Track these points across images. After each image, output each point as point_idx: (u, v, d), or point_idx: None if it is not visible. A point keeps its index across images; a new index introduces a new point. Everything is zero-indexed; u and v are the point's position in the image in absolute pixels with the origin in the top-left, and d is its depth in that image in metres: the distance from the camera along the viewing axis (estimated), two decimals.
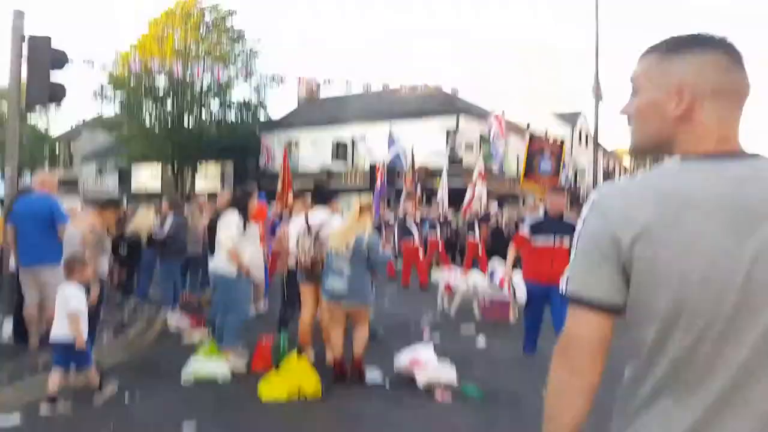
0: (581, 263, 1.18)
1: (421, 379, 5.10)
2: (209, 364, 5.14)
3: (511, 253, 6.46)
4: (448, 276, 9.05)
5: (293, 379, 4.67)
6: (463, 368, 5.36)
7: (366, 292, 5.23)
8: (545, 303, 5.84)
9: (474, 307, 8.43)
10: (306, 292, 5.75)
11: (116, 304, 8.04)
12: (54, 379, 4.24)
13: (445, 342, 6.64)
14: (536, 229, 5.96)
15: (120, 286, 8.77)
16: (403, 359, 5.32)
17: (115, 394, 4.61)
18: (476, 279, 8.69)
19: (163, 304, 7.79)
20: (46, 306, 5.74)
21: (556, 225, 5.82)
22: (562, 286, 1.21)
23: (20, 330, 5.76)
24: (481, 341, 6.79)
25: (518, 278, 7.00)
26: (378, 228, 9.28)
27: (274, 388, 4.63)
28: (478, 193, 15.78)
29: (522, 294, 6.77)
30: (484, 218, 14.34)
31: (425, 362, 5.22)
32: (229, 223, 5.78)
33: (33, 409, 4.19)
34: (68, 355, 4.30)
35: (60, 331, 4.27)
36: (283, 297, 6.56)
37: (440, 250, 13.57)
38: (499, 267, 8.21)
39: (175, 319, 7.07)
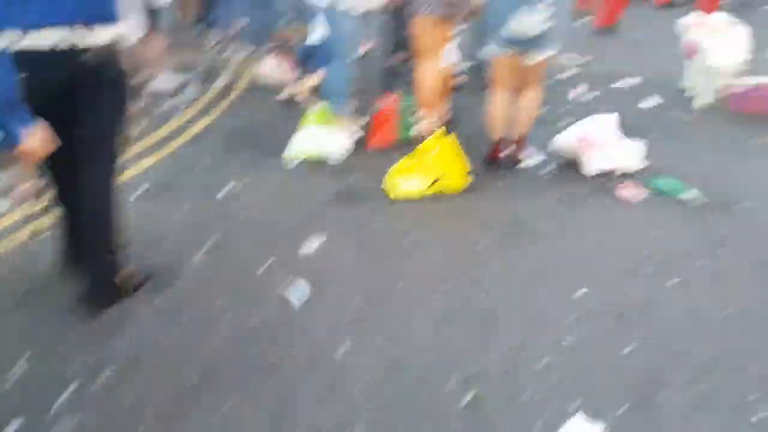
0: None
1: (593, 164, 3.78)
2: (315, 139, 3.96)
3: None
4: (693, 23, 5.54)
5: (436, 164, 3.45)
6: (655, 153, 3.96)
7: (563, 32, 3.63)
8: None
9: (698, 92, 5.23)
10: (433, 30, 3.95)
11: (194, 41, 6.77)
12: None
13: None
14: None
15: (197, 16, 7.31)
16: (566, 138, 3.95)
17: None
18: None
19: (250, 43, 6.40)
20: None
21: None
22: None
23: None
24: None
25: None
26: None
27: (407, 179, 3.46)
28: None
29: None
30: None
31: (600, 140, 3.84)
32: None
33: None
34: None
35: None
36: (396, 37, 4.95)
37: None
38: None
39: (268, 67, 5.71)
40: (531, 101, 3.73)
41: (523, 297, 2.58)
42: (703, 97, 5.10)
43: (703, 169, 3.83)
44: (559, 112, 4.93)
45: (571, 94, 5.48)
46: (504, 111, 3.71)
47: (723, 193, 3.52)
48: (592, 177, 3.72)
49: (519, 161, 3.87)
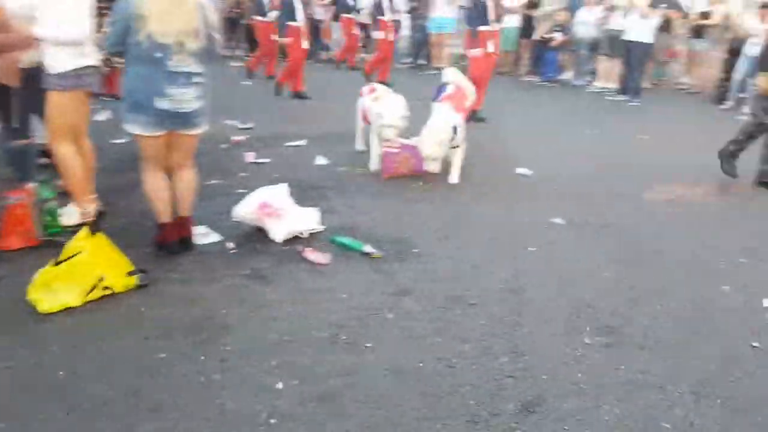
0: None
1: (278, 232, 3.64)
2: None
3: None
4: (367, 89, 5.63)
5: (89, 268, 2.83)
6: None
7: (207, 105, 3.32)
8: None
9: (372, 154, 5.23)
10: (74, 107, 3.46)
11: None
12: None
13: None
14: None
15: None
16: (245, 208, 3.73)
17: None
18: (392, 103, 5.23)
19: None
20: None
21: None
22: None
23: None
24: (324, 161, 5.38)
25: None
26: None
27: (57, 289, 2.76)
28: None
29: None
30: None
31: (279, 207, 3.72)
32: None
33: None
34: None
35: None
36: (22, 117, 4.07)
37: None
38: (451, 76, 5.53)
39: None
40: (189, 178, 3.41)
41: (212, 414, 2.18)
42: (371, 155, 5.36)
43: (376, 222, 3.99)
44: (233, 181, 4.73)
45: (246, 159, 5.35)
46: (165, 191, 3.30)
47: (396, 241, 3.69)
48: (279, 245, 3.56)
49: (192, 242, 3.48)
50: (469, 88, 5.58)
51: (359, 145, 5.72)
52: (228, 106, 7.25)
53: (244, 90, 8.98)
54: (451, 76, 5.53)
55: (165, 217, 3.33)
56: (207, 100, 3.25)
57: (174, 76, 3.05)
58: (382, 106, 5.20)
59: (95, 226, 2.87)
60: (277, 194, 3.82)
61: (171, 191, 3.35)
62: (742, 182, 5.20)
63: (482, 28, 6.85)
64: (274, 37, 9.07)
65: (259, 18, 9.74)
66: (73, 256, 2.82)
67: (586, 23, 10.52)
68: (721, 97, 9.35)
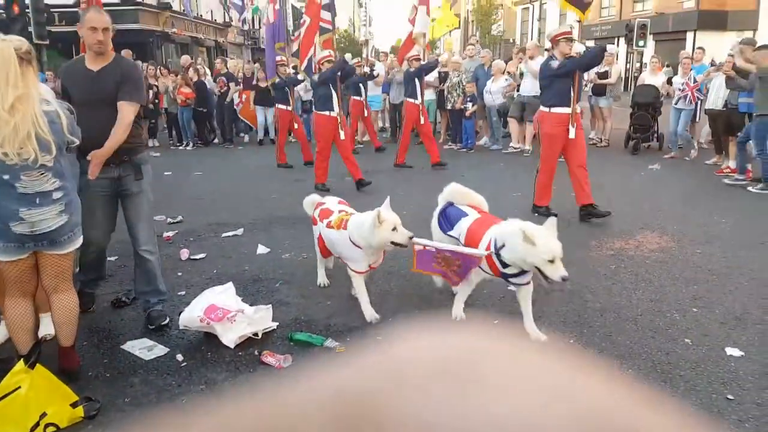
0: None
1: (230, 337, 3.43)
2: None
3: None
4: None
5: (29, 405, 2.51)
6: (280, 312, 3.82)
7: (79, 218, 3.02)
8: None
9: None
10: None
11: None
12: None
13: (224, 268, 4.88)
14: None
15: None
16: (192, 314, 3.51)
17: None
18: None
19: None
20: None
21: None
22: None
23: None
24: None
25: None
26: None
27: None
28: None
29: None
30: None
31: (228, 310, 3.52)
32: None
33: None
34: None
35: None
36: None
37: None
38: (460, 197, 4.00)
39: None
40: (67, 304, 3.00)
41: None
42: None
43: (331, 311, 3.86)
44: (171, 282, 4.47)
45: (181, 256, 5.09)
46: (29, 320, 2.92)
47: (357, 330, 3.57)
48: (232, 350, 3.34)
49: (77, 375, 3.05)
50: (478, 199, 4.09)
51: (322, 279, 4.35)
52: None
53: (166, 180, 8.71)
54: (458, 194, 4.01)
55: (25, 348, 2.88)
56: (75, 214, 2.93)
57: (28, 198, 2.71)
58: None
59: (33, 356, 2.57)
60: (224, 295, 3.64)
61: (35, 320, 3.02)
62: (674, 230, 5.48)
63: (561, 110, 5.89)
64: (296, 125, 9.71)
65: (283, 107, 9.71)
66: (8, 394, 2.50)
67: (494, 93, 11.07)
68: (635, 147, 10.08)
